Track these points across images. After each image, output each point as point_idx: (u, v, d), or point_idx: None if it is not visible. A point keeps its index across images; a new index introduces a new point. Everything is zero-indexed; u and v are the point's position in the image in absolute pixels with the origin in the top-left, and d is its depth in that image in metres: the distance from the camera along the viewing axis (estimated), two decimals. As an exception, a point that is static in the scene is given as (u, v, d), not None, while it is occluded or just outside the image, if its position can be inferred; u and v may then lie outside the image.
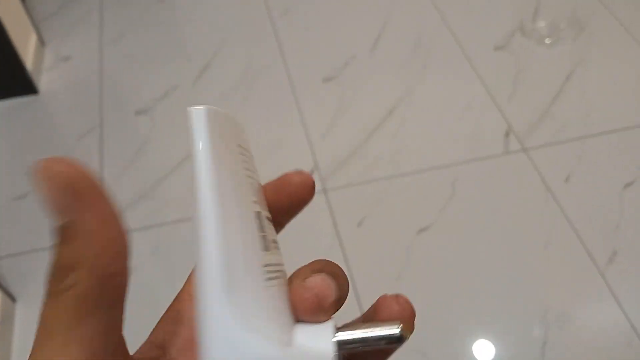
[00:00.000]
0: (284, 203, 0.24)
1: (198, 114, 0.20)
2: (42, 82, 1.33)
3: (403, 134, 1.18)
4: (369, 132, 1.18)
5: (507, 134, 1.16)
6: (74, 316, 0.17)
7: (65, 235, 0.17)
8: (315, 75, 1.30)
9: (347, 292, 0.21)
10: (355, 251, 1.00)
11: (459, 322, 0.93)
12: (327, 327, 0.19)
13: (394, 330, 0.19)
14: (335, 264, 0.22)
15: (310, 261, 0.22)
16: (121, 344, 0.19)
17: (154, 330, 0.22)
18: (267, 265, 0.20)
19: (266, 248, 0.20)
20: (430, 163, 1.12)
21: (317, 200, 1.07)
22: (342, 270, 0.22)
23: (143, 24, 1.45)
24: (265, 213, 0.22)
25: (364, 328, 0.20)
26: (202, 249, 0.18)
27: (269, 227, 0.22)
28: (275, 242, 0.22)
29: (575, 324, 0.92)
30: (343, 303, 0.21)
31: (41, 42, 1.40)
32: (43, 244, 1.03)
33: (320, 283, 0.20)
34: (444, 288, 0.96)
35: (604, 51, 1.30)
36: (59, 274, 0.17)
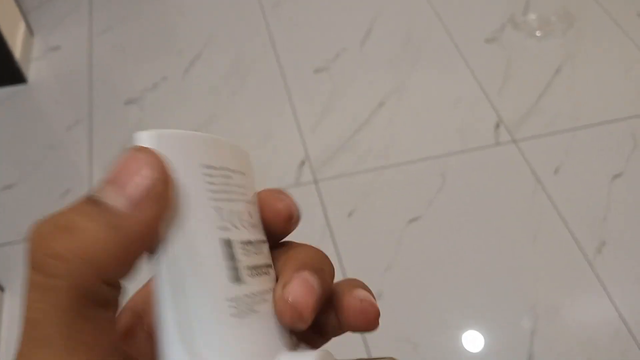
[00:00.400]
0: (267, 229, 0.23)
1: (142, 139, 0.18)
2: (31, 71, 1.32)
3: (394, 125, 1.18)
4: (360, 123, 1.18)
5: (497, 126, 1.16)
6: (72, 315, 0.16)
7: (84, 208, 0.16)
8: (307, 66, 1.30)
9: (333, 282, 0.21)
10: (346, 242, 1.00)
11: (449, 313, 0.93)
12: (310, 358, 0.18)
13: None
14: (320, 255, 0.21)
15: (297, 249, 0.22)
16: (118, 342, 0.18)
17: (132, 297, 0.21)
18: (234, 298, 0.18)
19: (236, 279, 0.19)
20: (420, 154, 1.12)
21: (308, 191, 1.07)
22: (328, 260, 0.21)
23: (133, 15, 1.44)
24: (243, 236, 0.20)
25: None
26: (155, 302, 0.17)
27: (249, 251, 0.20)
28: (256, 267, 0.20)
29: (564, 314, 0.92)
30: (328, 295, 0.21)
31: (30, 31, 1.39)
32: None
33: (298, 291, 0.19)
34: (434, 278, 0.96)
35: (593, 44, 1.31)
36: (54, 254, 0.16)
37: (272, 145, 1.15)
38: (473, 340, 0.90)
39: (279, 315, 0.20)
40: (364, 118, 1.19)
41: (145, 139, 0.18)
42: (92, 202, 0.17)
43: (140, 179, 0.17)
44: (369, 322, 0.21)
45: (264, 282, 0.20)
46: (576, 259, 0.97)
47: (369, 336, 0.88)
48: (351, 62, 1.30)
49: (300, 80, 1.27)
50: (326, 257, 0.22)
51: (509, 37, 1.33)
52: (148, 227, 0.17)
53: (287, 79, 1.27)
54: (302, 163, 1.12)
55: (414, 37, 1.34)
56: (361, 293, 0.21)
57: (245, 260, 0.19)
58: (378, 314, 0.21)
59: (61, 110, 1.25)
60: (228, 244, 0.19)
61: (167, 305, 0.17)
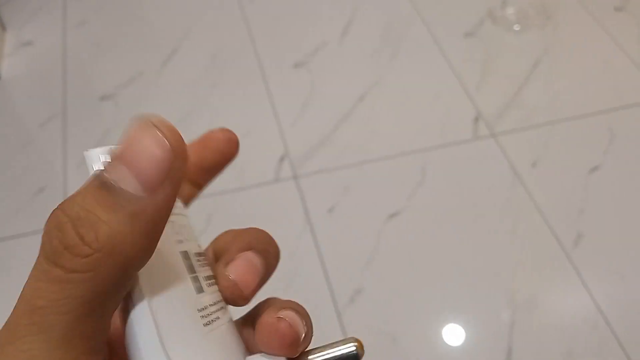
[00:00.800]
0: (209, 159, 0.23)
1: (92, 157, 0.18)
2: (3, 67, 1.29)
3: (373, 119, 1.18)
4: (339, 118, 1.18)
5: (476, 120, 1.17)
6: (87, 308, 0.15)
7: (100, 196, 0.15)
8: (286, 61, 1.29)
9: (277, 264, 0.21)
10: (327, 237, 1.00)
11: (429, 306, 0.93)
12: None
13: (350, 348, 0.19)
14: (265, 236, 0.22)
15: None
16: (105, 344, 0.17)
17: None
18: (203, 309, 0.19)
19: (200, 289, 0.19)
20: (400, 149, 1.12)
21: (288, 187, 1.06)
22: (274, 242, 0.22)
23: (108, 8, 1.41)
24: (194, 248, 0.20)
25: (319, 352, 0.19)
26: (129, 321, 0.17)
27: (201, 262, 0.20)
28: (209, 277, 0.20)
29: (542, 306, 0.93)
30: (270, 277, 0.21)
31: (2, 26, 1.36)
32: (7, 233, 1.01)
33: (241, 269, 0.19)
34: (414, 272, 0.97)
35: (571, 38, 1.32)
36: (75, 249, 0.15)
37: (251, 141, 1.14)
38: (453, 333, 0.90)
39: (221, 291, 0.19)
40: (343, 113, 1.19)
41: (93, 156, 0.18)
42: (106, 187, 0.15)
43: (155, 158, 0.15)
44: (282, 344, 0.18)
45: (215, 288, 0.20)
46: (554, 251, 0.98)
47: (348, 331, 0.88)
48: (330, 57, 1.29)
49: (279, 75, 1.26)
50: (271, 239, 0.21)
51: (487, 31, 1.33)
52: (167, 209, 0.16)
53: (266, 73, 1.26)
54: (282, 158, 1.11)
55: (393, 31, 1.34)
56: (285, 313, 0.19)
57: (202, 271, 0.20)
58: (297, 339, 0.18)
59: (34, 106, 1.22)
60: (186, 256, 0.19)
61: (145, 321, 0.17)
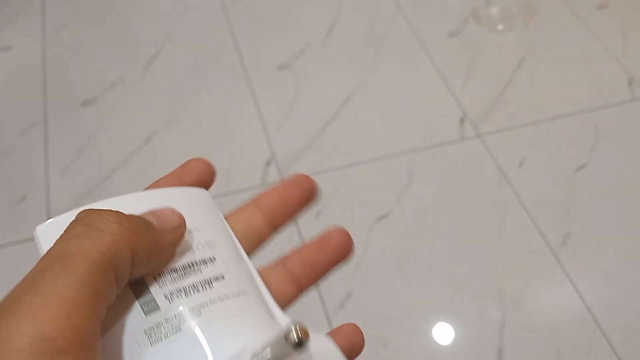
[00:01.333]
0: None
1: (42, 232, 0.22)
2: (-19, 73, 1.26)
3: (359, 122, 1.17)
4: (325, 121, 1.17)
5: (462, 121, 1.16)
6: (103, 265, 0.18)
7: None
8: (270, 63, 1.27)
9: None
10: (314, 241, 0.99)
11: (419, 308, 0.93)
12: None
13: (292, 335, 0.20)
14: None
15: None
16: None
17: None
18: (148, 330, 0.20)
19: (154, 309, 0.21)
20: (386, 151, 1.12)
21: (274, 190, 1.05)
22: None
23: (87, 12, 1.39)
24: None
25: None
26: None
27: (173, 277, 0.22)
28: (180, 289, 0.22)
29: (532, 305, 0.93)
30: None
31: (-22, 31, 1.33)
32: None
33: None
34: (403, 274, 0.96)
35: (554, 37, 1.33)
36: (103, 220, 0.19)
37: (237, 145, 1.12)
38: (443, 334, 0.90)
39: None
40: (329, 115, 1.18)
41: (43, 231, 0.21)
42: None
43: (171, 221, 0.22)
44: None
45: (190, 299, 0.22)
46: (542, 251, 0.98)
47: (340, 337, 0.87)
48: (315, 58, 1.28)
49: (263, 78, 1.25)
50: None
51: (471, 31, 1.33)
52: (173, 242, 0.22)
53: (250, 76, 1.25)
54: (268, 163, 1.10)
55: (377, 32, 1.34)
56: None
57: (169, 285, 0.22)
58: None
59: (14, 113, 1.20)
60: (141, 282, 0.21)
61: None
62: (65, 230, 0.19)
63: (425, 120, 1.17)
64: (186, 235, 0.24)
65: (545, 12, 1.37)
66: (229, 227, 0.26)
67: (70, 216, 0.21)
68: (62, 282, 0.17)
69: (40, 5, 1.40)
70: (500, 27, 1.34)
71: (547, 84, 1.23)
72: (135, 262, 0.20)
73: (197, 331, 0.21)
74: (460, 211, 1.04)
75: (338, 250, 0.27)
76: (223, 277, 0.23)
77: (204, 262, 0.23)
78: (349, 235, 0.27)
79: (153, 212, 0.22)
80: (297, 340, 0.19)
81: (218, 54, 1.29)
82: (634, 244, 0.99)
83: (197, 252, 0.23)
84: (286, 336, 0.19)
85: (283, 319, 0.24)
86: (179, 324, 0.21)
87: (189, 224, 0.24)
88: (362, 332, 0.25)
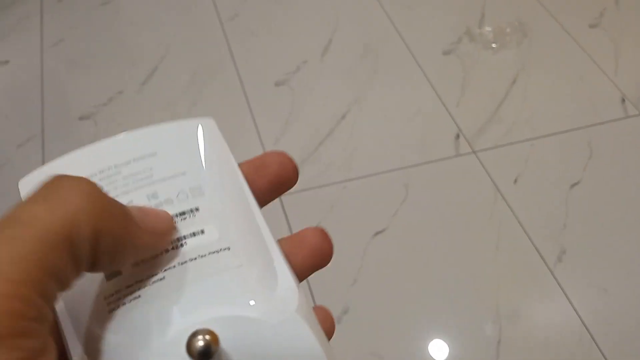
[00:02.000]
0: (264, 186, 0.24)
1: (25, 186, 0.20)
2: (-22, 87, 1.26)
3: (355, 137, 1.18)
4: (321, 136, 1.18)
5: (457, 137, 1.18)
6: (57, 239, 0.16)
7: None
8: (267, 79, 1.28)
9: None
10: (311, 256, 0.99)
11: (415, 324, 0.93)
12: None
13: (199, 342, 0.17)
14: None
15: None
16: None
17: None
18: (110, 295, 0.19)
19: (114, 275, 0.20)
20: (383, 167, 1.13)
21: (273, 206, 1.05)
22: None
23: (86, 27, 1.40)
24: None
25: None
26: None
27: None
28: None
29: (528, 322, 0.93)
30: None
31: (-24, 45, 1.34)
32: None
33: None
34: (399, 290, 0.96)
35: (547, 55, 1.34)
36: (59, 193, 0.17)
37: (235, 160, 1.13)
38: (439, 351, 0.90)
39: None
40: (326, 131, 1.19)
41: (30, 181, 0.20)
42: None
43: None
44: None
45: (157, 264, 0.20)
46: (538, 267, 0.99)
47: (336, 352, 0.87)
48: (312, 75, 1.29)
49: (261, 94, 1.26)
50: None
51: (465, 49, 1.35)
52: (149, 245, 0.20)
53: (248, 92, 1.26)
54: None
55: (373, 50, 1.35)
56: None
57: None
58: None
59: (12, 127, 1.20)
60: None
61: (65, 314, 0.19)
62: (29, 192, 0.17)
63: (421, 137, 1.18)
64: (165, 182, 0.21)
65: (538, 31, 1.39)
66: (236, 169, 0.23)
67: (55, 167, 0.19)
68: (6, 257, 0.15)
69: (38, 20, 1.41)
70: (494, 45, 1.36)
71: (540, 102, 1.25)
72: (97, 247, 0.17)
73: (154, 300, 0.19)
74: (456, 227, 1.04)
75: (312, 254, 0.22)
76: (202, 232, 0.21)
77: (182, 214, 0.21)
78: (326, 235, 0.22)
79: (141, 208, 0.19)
80: (201, 349, 0.16)
81: (216, 71, 1.30)
82: (629, 259, 1.00)
83: (176, 203, 0.21)
84: (188, 344, 0.16)
85: (288, 289, 0.20)
86: (139, 291, 0.19)
87: (173, 167, 0.21)
88: (332, 318, 0.22)
